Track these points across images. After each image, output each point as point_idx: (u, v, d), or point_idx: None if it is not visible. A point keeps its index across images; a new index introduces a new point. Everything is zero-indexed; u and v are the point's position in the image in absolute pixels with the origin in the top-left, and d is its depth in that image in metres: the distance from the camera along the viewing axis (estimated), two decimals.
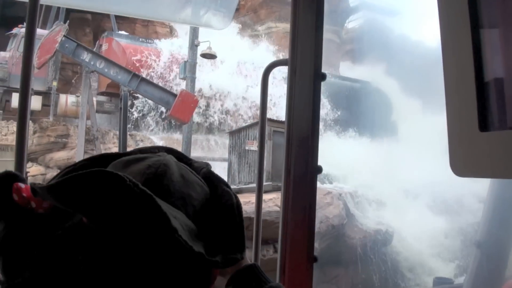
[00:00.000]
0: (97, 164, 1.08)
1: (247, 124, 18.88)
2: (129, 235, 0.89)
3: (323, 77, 2.34)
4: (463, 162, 1.51)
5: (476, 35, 1.43)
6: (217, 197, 1.08)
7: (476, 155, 1.45)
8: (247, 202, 10.02)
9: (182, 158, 1.18)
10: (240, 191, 13.74)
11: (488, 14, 1.47)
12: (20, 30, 19.87)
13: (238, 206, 1.09)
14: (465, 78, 1.45)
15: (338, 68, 31.33)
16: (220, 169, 18.49)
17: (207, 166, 1.18)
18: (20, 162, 1.98)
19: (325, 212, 13.10)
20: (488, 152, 1.41)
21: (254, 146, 15.14)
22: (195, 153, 19.38)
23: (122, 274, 0.88)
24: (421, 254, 15.52)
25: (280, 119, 15.35)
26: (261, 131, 2.61)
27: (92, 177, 0.84)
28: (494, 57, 1.45)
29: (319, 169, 2.34)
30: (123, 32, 23.24)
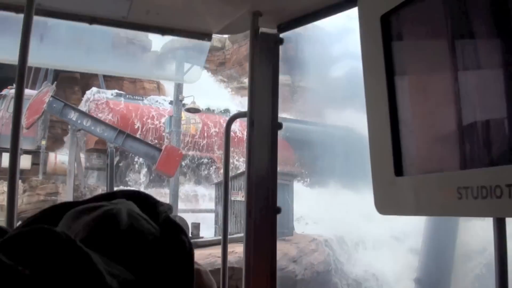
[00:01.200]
0: (57, 212, 1.08)
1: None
2: None
3: (279, 126, 2.54)
4: (384, 202, 1.75)
5: (391, 83, 1.71)
6: (171, 246, 1.03)
7: (394, 196, 1.69)
8: (231, 252, 10.21)
9: (147, 199, 1.15)
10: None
11: (399, 63, 1.77)
12: (10, 91, 20.15)
13: (190, 255, 1.05)
14: (383, 130, 1.70)
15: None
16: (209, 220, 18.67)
17: (170, 209, 1.13)
18: (10, 221, 2.06)
19: (310, 259, 13.20)
20: (403, 193, 1.66)
21: (239, 197, 15.41)
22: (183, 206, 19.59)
23: None
24: None
25: None
26: (225, 182, 2.88)
27: (33, 235, 0.84)
28: (406, 113, 1.74)
29: (278, 210, 2.49)
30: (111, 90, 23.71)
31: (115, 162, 17.45)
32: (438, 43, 1.74)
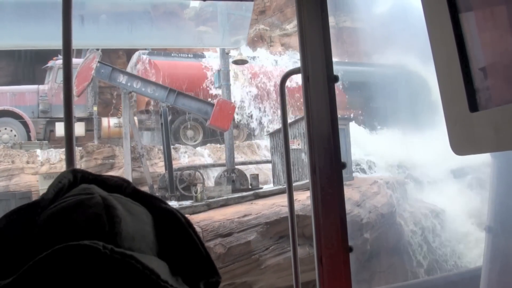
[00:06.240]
0: (25, 216, 0.89)
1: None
2: None
3: (335, 79, 2.50)
4: (460, 141, 1.66)
5: (456, 21, 1.58)
6: (161, 218, 0.95)
7: (470, 133, 1.59)
8: (294, 200, 10.09)
9: (88, 176, 1.04)
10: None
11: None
12: (56, 62, 20.45)
13: (188, 223, 0.96)
14: (452, 65, 1.59)
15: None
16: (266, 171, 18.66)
17: (126, 182, 1.02)
18: None
19: (373, 201, 13.05)
20: (481, 130, 1.55)
21: (295, 145, 15.24)
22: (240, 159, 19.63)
23: None
24: (473, 230, 15.23)
25: None
26: (285, 136, 2.83)
27: (59, 260, 0.71)
28: (475, 43, 1.60)
29: (343, 165, 2.49)
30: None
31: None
32: None
